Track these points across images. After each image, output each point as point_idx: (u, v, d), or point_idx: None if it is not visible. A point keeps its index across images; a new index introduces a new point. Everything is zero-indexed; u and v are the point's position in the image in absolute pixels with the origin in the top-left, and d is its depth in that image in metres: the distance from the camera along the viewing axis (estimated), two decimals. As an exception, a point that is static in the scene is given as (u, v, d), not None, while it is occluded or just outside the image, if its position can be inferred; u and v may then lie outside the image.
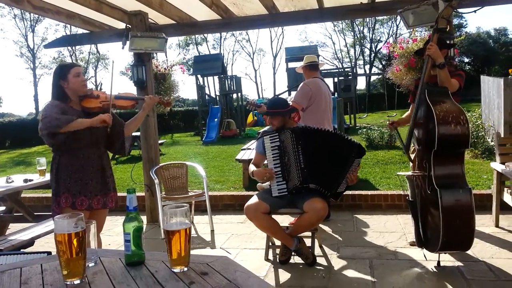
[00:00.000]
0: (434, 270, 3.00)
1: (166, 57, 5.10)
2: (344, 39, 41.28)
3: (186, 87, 63.65)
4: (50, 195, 2.69)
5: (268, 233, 3.30)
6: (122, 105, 2.81)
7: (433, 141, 2.70)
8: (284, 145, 3.10)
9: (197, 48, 41.31)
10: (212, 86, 22.05)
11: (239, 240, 3.94)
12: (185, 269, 1.34)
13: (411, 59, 4.26)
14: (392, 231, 3.94)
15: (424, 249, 3.06)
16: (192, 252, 1.40)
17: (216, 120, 15.79)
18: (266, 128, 3.44)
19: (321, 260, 3.30)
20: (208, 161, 9.55)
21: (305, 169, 3.05)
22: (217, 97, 19.15)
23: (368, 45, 39.53)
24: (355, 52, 39.98)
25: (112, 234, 4.35)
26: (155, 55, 5.06)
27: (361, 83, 42.52)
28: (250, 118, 19.82)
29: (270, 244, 3.46)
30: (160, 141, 9.67)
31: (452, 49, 3.73)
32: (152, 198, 4.68)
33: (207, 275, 1.29)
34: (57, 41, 5.86)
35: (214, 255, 1.53)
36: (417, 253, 3.25)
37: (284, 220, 4.03)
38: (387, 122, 3.45)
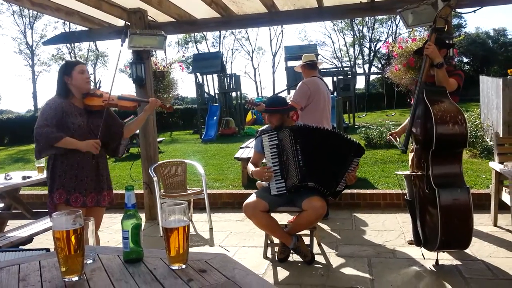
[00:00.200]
0: (432, 268, 3.01)
1: (165, 55, 5.10)
2: (344, 38, 41.39)
3: (185, 85, 63.72)
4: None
5: (267, 231, 3.30)
6: (124, 106, 2.83)
7: (431, 141, 2.71)
8: (282, 143, 3.10)
9: (196, 46, 41.32)
10: (211, 84, 22.09)
11: (237, 238, 3.95)
12: (184, 266, 1.34)
13: (410, 58, 4.25)
14: (391, 230, 3.95)
15: (422, 247, 3.07)
16: (191, 249, 1.40)
17: (215, 118, 15.75)
18: (264, 127, 3.43)
19: (319, 258, 3.31)
20: (207, 159, 9.54)
21: (303, 168, 3.05)
22: (216, 95, 19.14)
23: (368, 45, 39.60)
24: (354, 51, 40.07)
25: (111, 231, 4.35)
26: (154, 53, 5.04)
27: (360, 82, 42.65)
28: (249, 117, 19.78)
29: (269, 242, 3.46)
30: (159, 139, 9.67)
31: (452, 49, 3.73)
32: (151, 195, 4.68)
33: (206, 272, 1.29)
34: (56, 38, 5.86)
35: (213, 252, 1.53)
36: (415, 252, 3.26)
37: (283, 218, 4.03)
38: (387, 138, 3.46)
